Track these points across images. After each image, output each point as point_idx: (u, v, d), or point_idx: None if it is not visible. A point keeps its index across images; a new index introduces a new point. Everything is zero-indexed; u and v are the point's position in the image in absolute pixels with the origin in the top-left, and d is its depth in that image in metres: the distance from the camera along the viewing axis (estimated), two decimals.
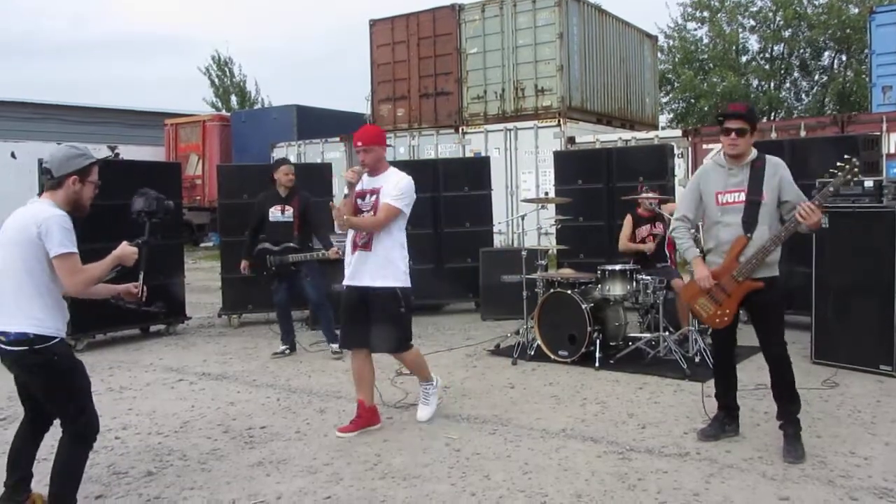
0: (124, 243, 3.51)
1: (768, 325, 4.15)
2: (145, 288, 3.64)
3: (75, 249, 3.23)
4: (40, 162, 7.81)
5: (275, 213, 6.96)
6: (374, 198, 4.67)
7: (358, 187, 4.73)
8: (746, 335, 4.79)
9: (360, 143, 4.64)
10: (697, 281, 4.20)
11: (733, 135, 4.07)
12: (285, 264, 6.83)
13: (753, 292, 4.06)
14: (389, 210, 4.57)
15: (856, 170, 3.81)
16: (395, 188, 4.62)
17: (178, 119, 21.79)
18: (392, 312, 4.61)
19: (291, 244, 6.84)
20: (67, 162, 3.36)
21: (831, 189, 3.86)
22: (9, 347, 3.20)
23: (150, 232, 3.73)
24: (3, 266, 3.26)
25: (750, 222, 4.04)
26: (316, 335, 7.78)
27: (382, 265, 4.60)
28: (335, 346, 6.86)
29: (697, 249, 4.35)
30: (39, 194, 3.50)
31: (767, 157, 4.14)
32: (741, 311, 4.26)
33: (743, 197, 4.08)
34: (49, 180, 3.36)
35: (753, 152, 4.15)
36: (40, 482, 3.53)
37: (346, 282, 4.74)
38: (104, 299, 3.67)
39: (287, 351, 7.13)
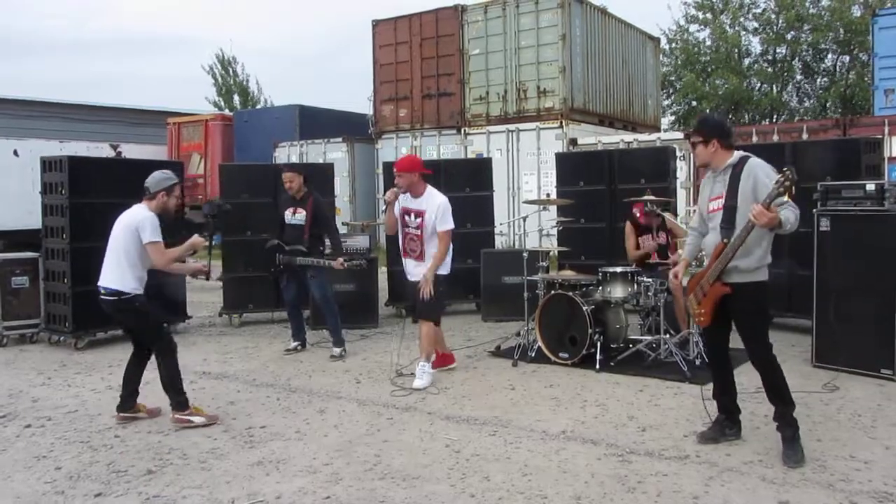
0: (195, 235, 5.16)
1: (744, 332, 4.24)
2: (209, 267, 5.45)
3: (160, 239, 4.84)
4: (42, 160, 7.86)
5: (287, 216, 7.10)
6: (419, 220, 5.85)
7: (402, 205, 5.92)
8: None
9: (396, 170, 5.89)
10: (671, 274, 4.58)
11: (692, 148, 4.36)
12: (292, 265, 6.95)
13: (728, 298, 4.14)
14: (446, 235, 5.80)
15: (787, 183, 3.74)
16: (439, 212, 5.75)
17: (181, 118, 21.76)
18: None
19: (300, 247, 6.94)
20: (160, 182, 4.97)
21: (767, 201, 3.80)
22: (106, 297, 4.88)
23: (213, 227, 5.66)
24: (112, 246, 4.90)
25: (727, 227, 4.11)
26: (319, 334, 7.79)
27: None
28: (336, 351, 6.94)
29: (685, 253, 4.60)
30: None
31: (749, 160, 4.14)
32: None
33: (722, 203, 4.17)
34: (147, 194, 4.95)
35: (734, 156, 4.20)
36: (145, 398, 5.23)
37: (410, 278, 6.02)
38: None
39: (299, 347, 7.24)
